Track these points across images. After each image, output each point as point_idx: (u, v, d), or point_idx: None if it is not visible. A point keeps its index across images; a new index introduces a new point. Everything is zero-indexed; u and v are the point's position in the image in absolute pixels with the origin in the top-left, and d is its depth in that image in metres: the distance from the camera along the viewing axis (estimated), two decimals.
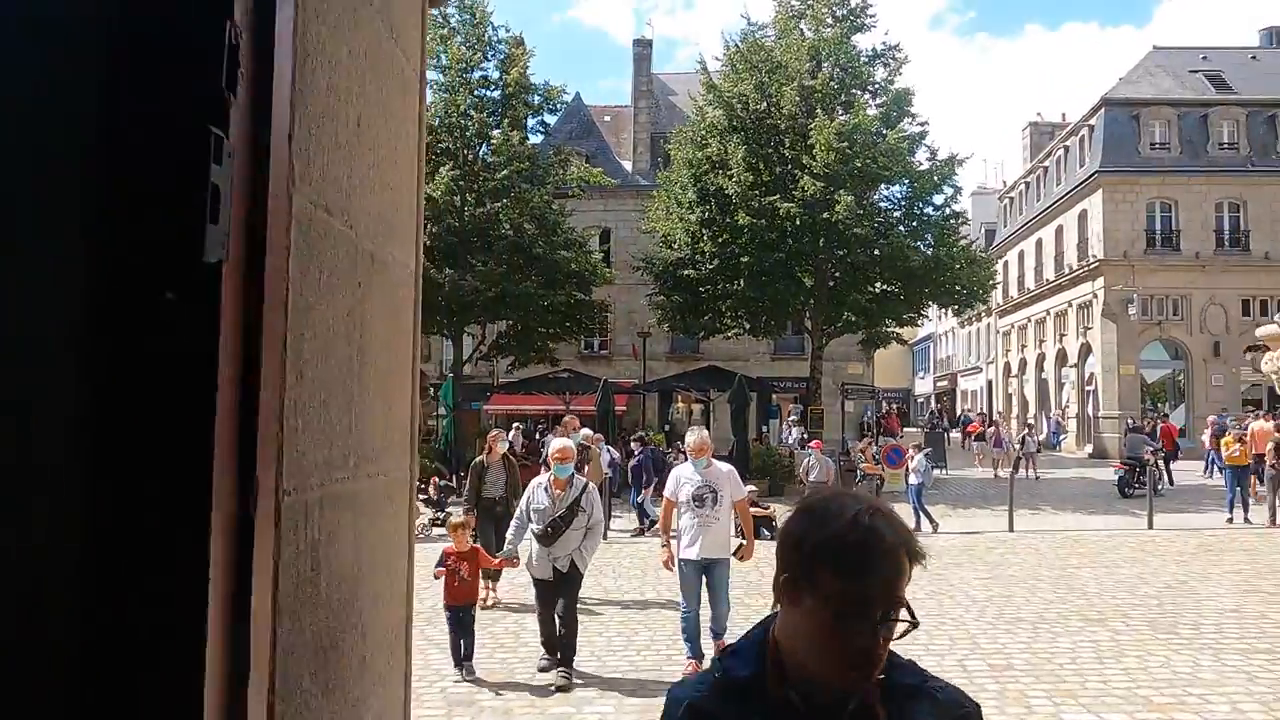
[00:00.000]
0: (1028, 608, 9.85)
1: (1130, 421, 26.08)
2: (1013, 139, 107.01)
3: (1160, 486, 21.29)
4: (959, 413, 52.00)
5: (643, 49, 37.54)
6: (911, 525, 16.46)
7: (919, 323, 28.46)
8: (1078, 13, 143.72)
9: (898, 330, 27.08)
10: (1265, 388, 33.27)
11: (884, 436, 27.19)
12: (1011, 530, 15.77)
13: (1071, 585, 10.98)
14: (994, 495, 22.20)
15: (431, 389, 25.80)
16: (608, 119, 39.30)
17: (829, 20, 24.84)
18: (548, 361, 28.17)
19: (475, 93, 26.01)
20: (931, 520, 16.11)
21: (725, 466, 7.96)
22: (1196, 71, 35.55)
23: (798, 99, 23.21)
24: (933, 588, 10.63)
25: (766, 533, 15.02)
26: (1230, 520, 16.60)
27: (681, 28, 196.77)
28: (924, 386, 68.91)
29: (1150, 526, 15.84)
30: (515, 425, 27.40)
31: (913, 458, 16.13)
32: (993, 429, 25.58)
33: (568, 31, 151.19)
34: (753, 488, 15.59)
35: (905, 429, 37.70)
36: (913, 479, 15.95)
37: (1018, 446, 23.86)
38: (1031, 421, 34.43)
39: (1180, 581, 11.19)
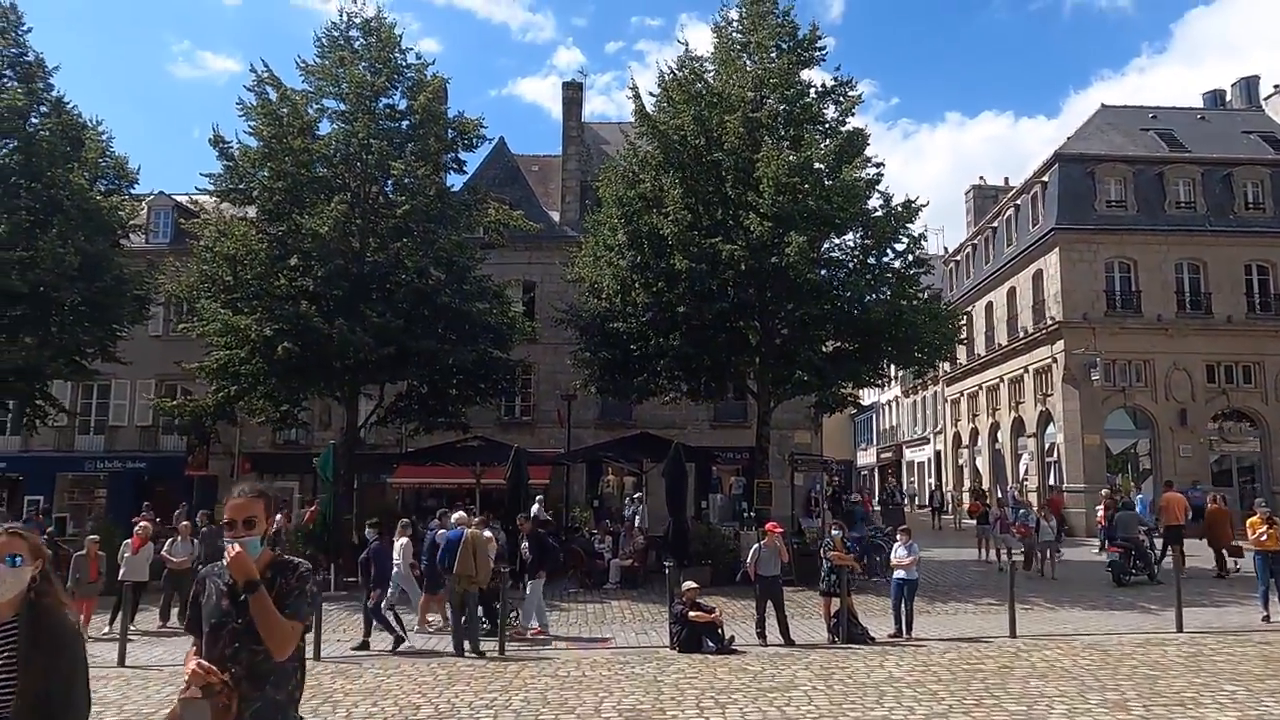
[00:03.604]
0: None
1: (1120, 497, 23.45)
2: (949, 210, 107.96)
3: (1156, 572, 18.58)
4: (904, 486, 49.36)
5: (573, 93, 34.93)
6: (889, 631, 13.28)
7: (881, 383, 25.61)
8: (994, 103, 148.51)
9: (854, 393, 24.28)
10: (1233, 459, 31.38)
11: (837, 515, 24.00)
12: (1014, 635, 12.63)
13: None
14: (972, 583, 19.17)
15: (313, 459, 21.92)
16: (535, 169, 36.51)
17: (774, 53, 22.46)
18: (458, 427, 24.54)
19: (380, 123, 22.87)
20: (909, 625, 12.89)
21: None
22: (1148, 129, 34.40)
23: (742, 130, 20.58)
24: None
25: (712, 644, 11.60)
26: (1267, 618, 13.74)
27: (619, 109, 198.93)
28: (867, 458, 66.48)
29: (1180, 629, 12.87)
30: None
31: (899, 546, 12.92)
32: (997, 511, 22.16)
33: (505, 106, 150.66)
34: (692, 585, 12.23)
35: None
36: (899, 574, 12.73)
37: (1017, 532, 20.25)
38: (1033, 498, 31.01)
39: None
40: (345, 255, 21.70)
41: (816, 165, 20.86)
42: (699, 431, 29.85)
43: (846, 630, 12.43)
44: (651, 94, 22.86)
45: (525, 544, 14.34)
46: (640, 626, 14.39)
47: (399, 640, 12.69)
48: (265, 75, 22.56)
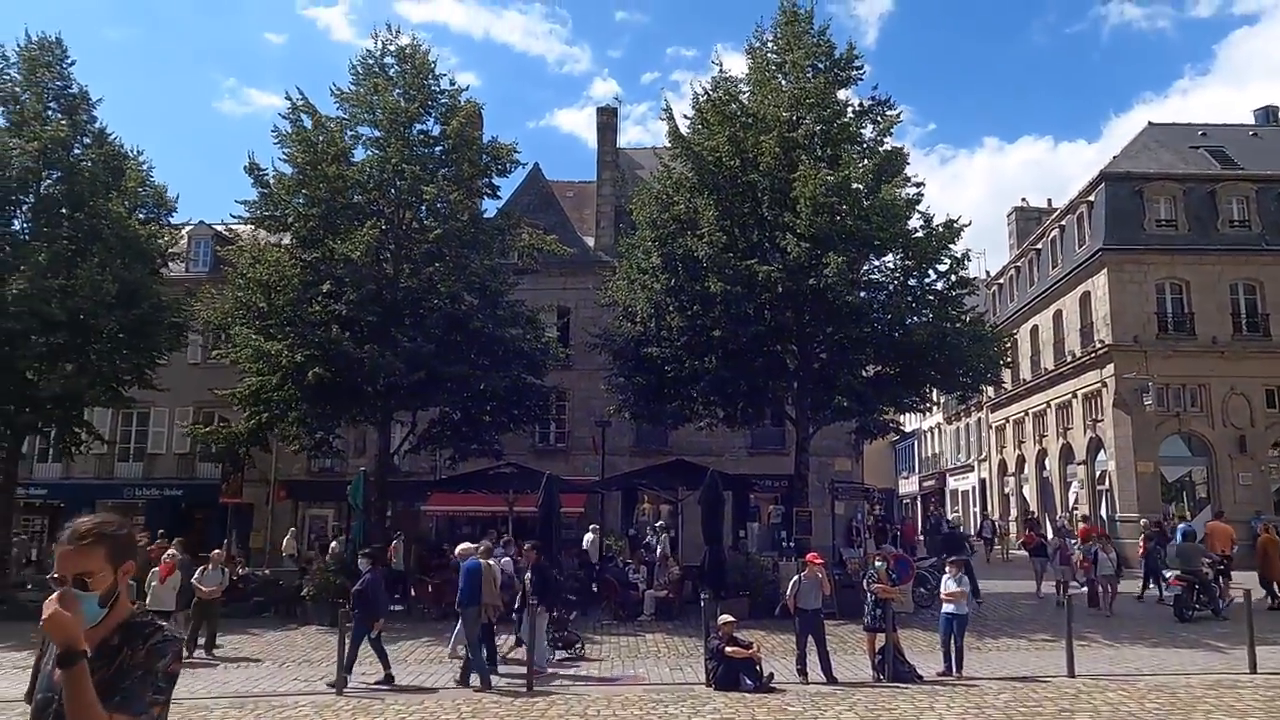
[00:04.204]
0: None
1: (1168, 524, 22.39)
2: (988, 236, 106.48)
3: (1221, 607, 17.58)
4: (947, 514, 47.99)
5: (607, 118, 34.87)
6: (938, 669, 12.56)
7: (924, 408, 24.80)
8: (1033, 127, 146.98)
9: (896, 419, 23.58)
10: None
11: (885, 546, 23.15)
12: (1073, 674, 11.86)
13: None
14: (1023, 617, 18.31)
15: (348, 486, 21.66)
16: (570, 194, 36.41)
17: (810, 73, 22.08)
18: (491, 454, 24.21)
19: (413, 149, 22.83)
20: (960, 662, 12.18)
21: None
22: (1198, 147, 33.40)
23: (778, 150, 20.18)
24: None
25: (750, 681, 11.01)
26: None
27: (654, 138, 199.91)
28: (909, 486, 65.11)
29: (1254, 669, 12.02)
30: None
31: (948, 578, 12.26)
32: (1056, 541, 20.96)
33: (543, 137, 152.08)
34: (729, 618, 11.67)
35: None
36: (948, 607, 12.06)
37: (1079, 564, 19.00)
38: (1097, 529, 29.24)
39: None
40: (378, 280, 21.60)
41: (855, 185, 20.40)
42: (736, 458, 29.22)
43: (893, 668, 11.77)
44: (686, 116, 22.62)
45: (529, 575, 13.78)
46: (675, 661, 13.83)
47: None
48: (300, 103, 22.68)
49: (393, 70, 23.54)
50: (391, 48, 23.62)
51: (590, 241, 33.47)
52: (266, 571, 24.76)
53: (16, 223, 23.63)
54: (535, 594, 13.32)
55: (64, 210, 23.49)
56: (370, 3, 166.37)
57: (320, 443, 24.02)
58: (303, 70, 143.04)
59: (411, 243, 22.42)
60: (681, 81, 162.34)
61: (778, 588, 18.38)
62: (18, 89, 23.98)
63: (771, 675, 11.60)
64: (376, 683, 12.25)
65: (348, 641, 11.99)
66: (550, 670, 12.87)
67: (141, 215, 24.88)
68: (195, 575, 15.78)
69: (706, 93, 21.91)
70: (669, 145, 22.43)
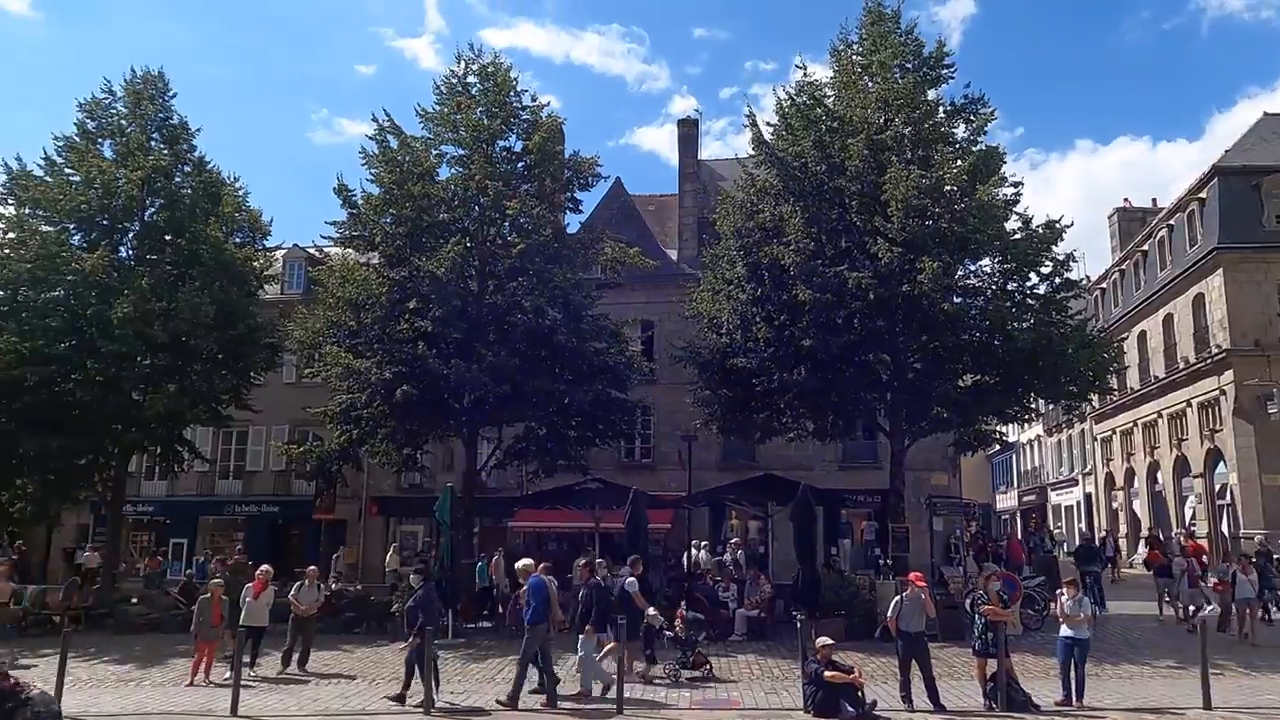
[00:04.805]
0: None
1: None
2: (1085, 241, 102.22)
3: None
4: (1050, 530, 45.76)
5: (688, 129, 34.56)
6: (1056, 698, 11.63)
7: (1028, 418, 23.54)
8: (1129, 127, 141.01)
9: (998, 430, 22.48)
10: None
11: (988, 564, 21.99)
12: (1208, 707, 10.87)
13: None
14: (1143, 641, 17.07)
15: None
16: (651, 208, 36.22)
17: (897, 73, 21.35)
18: (577, 470, 24.03)
19: (496, 165, 22.94)
20: (1080, 690, 11.29)
21: None
22: None
23: (866, 154, 19.51)
24: None
25: (851, 708, 10.40)
26: None
27: (735, 153, 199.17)
28: (1007, 502, 62.59)
29: None
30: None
31: (1066, 598, 11.41)
32: (1182, 561, 19.36)
33: (623, 155, 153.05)
34: (827, 640, 11.07)
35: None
36: (1068, 631, 11.21)
37: (1215, 587, 17.35)
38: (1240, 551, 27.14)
39: None
40: (462, 296, 21.70)
41: (948, 186, 19.56)
42: (826, 473, 28.36)
43: (1006, 696, 10.97)
44: (769, 124, 22.09)
45: (581, 594, 13.30)
46: (769, 684, 13.25)
47: (400, 695, 12.01)
48: (387, 124, 23.04)
49: (475, 89, 23.70)
50: (474, 67, 23.82)
51: (673, 254, 33.18)
52: (359, 587, 25.09)
53: (123, 249, 24.58)
54: (586, 614, 12.80)
55: (166, 236, 24.38)
56: (455, 31, 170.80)
57: (408, 459, 24.23)
58: (392, 98, 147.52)
59: (495, 258, 22.48)
60: (761, 95, 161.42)
61: (875, 608, 17.64)
62: (123, 122, 25.04)
63: (874, 702, 10.96)
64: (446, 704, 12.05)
65: (429, 660, 11.85)
66: (596, 694, 12.26)
67: (237, 239, 25.64)
68: (291, 591, 15.92)
69: (790, 97, 21.37)
70: (752, 153, 21.96)
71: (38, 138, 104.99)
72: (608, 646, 13.65)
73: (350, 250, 24.22)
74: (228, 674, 14.15)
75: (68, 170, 24.03)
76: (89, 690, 13.59)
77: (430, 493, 29.80)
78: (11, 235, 23.49)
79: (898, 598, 11.91)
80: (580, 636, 12.64)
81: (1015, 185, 20.73)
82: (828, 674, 10.84)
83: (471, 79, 23.85)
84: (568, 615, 13.66)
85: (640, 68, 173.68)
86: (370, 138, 23.03)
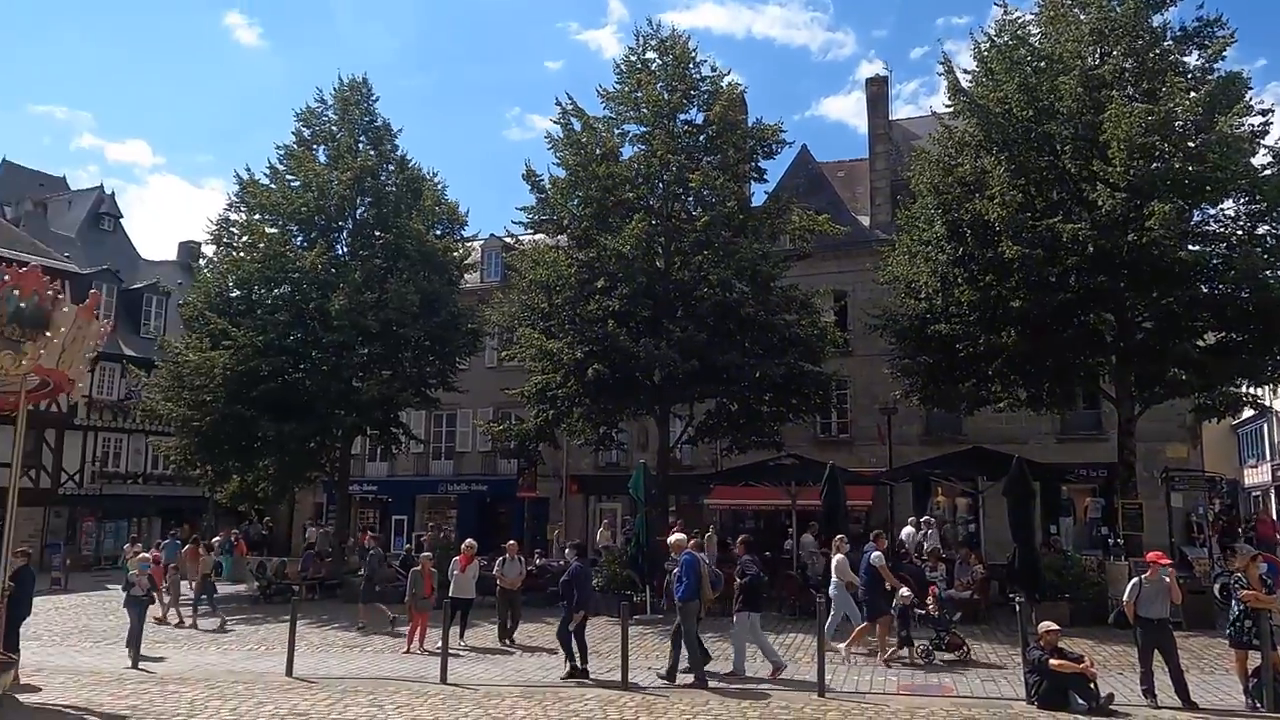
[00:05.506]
0: None
1: None
2: None
3: None
4: None
5: (878, 88, 32.83)
6: None
7: None
8: None
9: (1251, 393, 19.87)
10: None
11: (1240, 545, 19.56)
12: None
13: None
14: None
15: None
16: (840, 174, 34.80)
17: (1115, 2, 19.14)
18: (771, 446, 23.53)
19: (678, 140, 22.75)
20: None
21: None
22: None
23: (1080, 92, 17.65)
24: None
25: (1082, 701, 9.39)
26: None
27: (926, 113, 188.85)
28: (1258, 476, 55.85)
29: None
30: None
31: None
32: None
33: (810, 127, 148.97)
34: (1051, 626, 10.06)
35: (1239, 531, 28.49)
36: None
37: None
38: None
39: None
40: (649, 273, 21.68)
41: (1179, 122, 17.39)
42: (1043, 446, 26.24)
43: (1274, 694, 9.53)
44: (967, 71, 20.49)
45: (739, 570, 12.57)
46: (985, 672, 12.28)
47: (573, 670, 12.05)
48: (570, 107, 23.36)
49: (654, 64, 23.58)
50: (652, 43, 23.69)
51: (865, 220, 31.75)
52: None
53: (339, 247, 26.45)
54: (742, 593, 12.14)
55: (375, 232, 26.01)
56: (636, 17, 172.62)
57: (604, 437, 24.63)
58: (580, 90, 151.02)
59: (680, 233, 22.33)
60: (955, 52, 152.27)
61: (1104, 591, 16.11)
62: (334, 127, 26.90)
63: (1110, 695, 9.84)
64: (660, 676, 11.92)
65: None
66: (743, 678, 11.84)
67: (438, 231, 26.97)
68: (495, 567, 16.52)
69: (990, 39, 19.71)
70: (949, 103, 20.48)
71: (267, 155, 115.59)
72: (858, 629, 13.29)
73: (540, 234, 24.84)
74: (439, 644, 14.89)
75: (289, 176, 26.10)
76: (318, 654, 14.65)
77: (626, 471, 30.20)
78: (245, 239, 25.84)
79: (1135, 580, 10.64)
80: (737, 615, 12.21)
81: (1264, 114, 18.13)
82: (1053, 662, 9.84)
83: (651, 54, 23.75)
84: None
85: (824, 36, 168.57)
86: (554, 121, 23.45)
